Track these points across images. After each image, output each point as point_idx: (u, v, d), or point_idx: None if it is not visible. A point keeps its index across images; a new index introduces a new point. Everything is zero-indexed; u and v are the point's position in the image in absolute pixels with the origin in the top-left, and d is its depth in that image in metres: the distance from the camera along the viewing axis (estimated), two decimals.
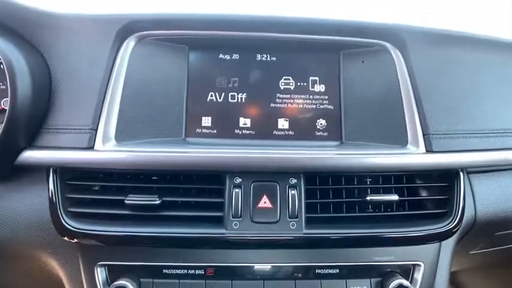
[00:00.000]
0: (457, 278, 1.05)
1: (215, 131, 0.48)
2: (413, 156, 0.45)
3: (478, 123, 0.48)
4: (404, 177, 0.46)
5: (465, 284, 1.02)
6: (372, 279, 0.44)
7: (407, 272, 0.45)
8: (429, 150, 0.46)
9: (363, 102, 0.48)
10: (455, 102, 0.48)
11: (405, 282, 0.43)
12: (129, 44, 0.47)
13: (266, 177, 0.44)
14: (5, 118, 0.41)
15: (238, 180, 0.44)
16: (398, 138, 0.47)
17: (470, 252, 0.60)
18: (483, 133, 0.48)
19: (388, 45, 0.49)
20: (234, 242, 0.42)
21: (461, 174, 0.46)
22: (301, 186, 0.44)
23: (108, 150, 0.43)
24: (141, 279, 0.42)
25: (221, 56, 0.50)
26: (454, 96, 0.48)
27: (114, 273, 0.43)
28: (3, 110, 0.44)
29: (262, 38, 0.49)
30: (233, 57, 0.50)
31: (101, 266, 0.43)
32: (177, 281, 0.43)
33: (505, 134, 0.49)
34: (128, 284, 0.41)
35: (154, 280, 0.43)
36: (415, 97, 0.47)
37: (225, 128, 0.48)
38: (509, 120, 0.49)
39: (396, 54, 0.49)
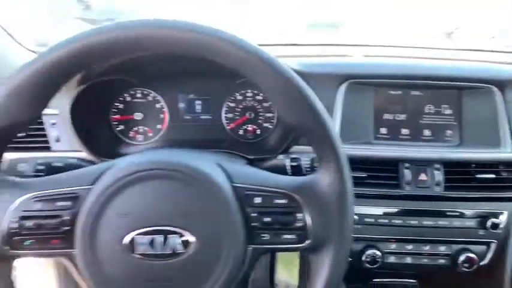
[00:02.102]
0: None
1: (389, 136, 0.85)
2: (504, 154, 0.81)
3: None
4: (498, 165, 0.83)
5: None
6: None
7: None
8: None
9: (475, 122, 0.84)
10: None
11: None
12: (342, 88, 0.83)
13: (422, 163, 0.81)
14: None
15: (407, 165, 0.81)
16: (495, 144, 0.83)
17: None
18: None
19: (493, 88, 0.84)
20: (406, 196, 0.80)
21: None
22: (441, 169, 0.81)
23: None
24: None
25: (391, 92, 0.86)
26: None
27: None
28: None
29: (416, 83, 0.84)
30: (398, 93, 0.86)
31: None
32: None
33: None
34: None
35: None
36: (508, 122, 0.82)
37: (395, 135, 0.85)
38: None
39: (498, 94, 0.83)
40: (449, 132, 0.85)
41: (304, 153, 0.78)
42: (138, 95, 0.89)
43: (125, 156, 0.48)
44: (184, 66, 0.84)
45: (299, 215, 0.45)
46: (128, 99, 0.89)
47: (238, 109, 0.91)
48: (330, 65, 0.86)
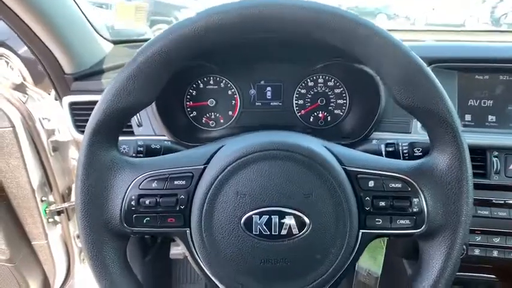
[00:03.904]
0: None
1: (473, 123, 0.81)
2: None
3: None
4: None
5: None
6: None
7: None
8: None
9: None
10: None
11: None
12: None
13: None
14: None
15: (496, 153, 0.77)
16: None
17: None
18: None
19: None
20: (494, 186, 0.76)
21: None
22: None
23: None
24: None
25: (477, 77, 0.81)
26: None
27: None
28: None
29: (506, 67, 0.79)
30: (484, 77, 0.81)
31: None
32: None
33: None
34: None
35: None
36: None
37: (480, 122, 0.80)
38: None
39: None
40: None
41: (382, 139, 0.76)
42: (211, 82, 0.90)
43: (235, 138, 0.48)
44: (256, 52, 0.84)
45: (415, 200, 0.44)
46: (201, 86, 0.90)
47: (309, 95, 0.90)
48: (413, 49, 0.82)
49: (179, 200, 0.44)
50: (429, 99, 0.41)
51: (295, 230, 0.42)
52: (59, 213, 1.11)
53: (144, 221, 0.45)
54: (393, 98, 0.43)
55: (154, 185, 0.45)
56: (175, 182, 0.44)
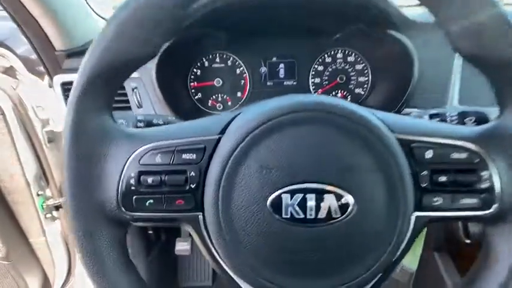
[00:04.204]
0: None
1: None
2: None
3: None
4: None
5: None
6: None
7: None
8: None
9: None
10: None
11: None
12: None
13: None
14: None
15: None
16: None
17: None
18: None
19: None
20: None
21: None
22: None
23: None
24: None
25: None
26: None
27: None
28: None
29: None
30: None
31: None
32: None
33: None
34: None
35: None
36: None
37: None
38: None
39: None
40: None
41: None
42: (217, 60, 0.81)
43: (255, 103, 0.39)
44: (267, 23, 0.75)
45: (484, 173, 0.35)
46: (206, 64, 0.81)
47: (327, 73, 0.81)
48: None
49: (189, 178, 0.36)
50: (503, 45, 0.32)
51: (335, 213, 0.33)
52: (57, 208, 1.03)
53: (147, 204, 0.36)
54: (453, 46, 0.34)
55: (158, 159, 0.36)
56: (184, 156, 0.36)
